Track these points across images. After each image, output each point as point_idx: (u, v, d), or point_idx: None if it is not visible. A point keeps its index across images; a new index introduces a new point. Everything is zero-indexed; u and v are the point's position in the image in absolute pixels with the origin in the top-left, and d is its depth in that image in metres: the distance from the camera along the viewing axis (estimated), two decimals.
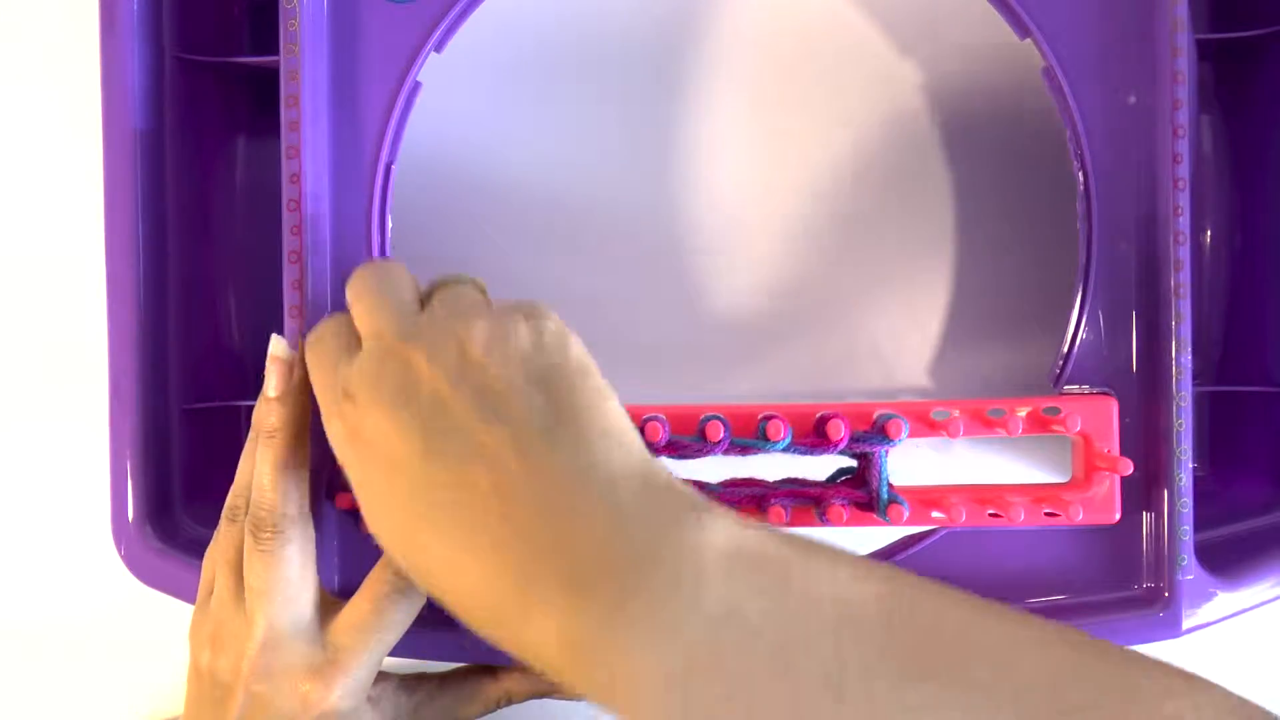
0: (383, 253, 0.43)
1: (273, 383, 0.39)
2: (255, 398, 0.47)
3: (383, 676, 0.41)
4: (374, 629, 0.38)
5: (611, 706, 0.30)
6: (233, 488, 0.40)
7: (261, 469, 0.38)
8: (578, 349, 0.35)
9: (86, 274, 0.48)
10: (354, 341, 0.36)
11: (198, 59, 0.45)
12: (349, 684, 0.38)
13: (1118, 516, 0.41)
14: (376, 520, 0.34)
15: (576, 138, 0.50)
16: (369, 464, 0.34)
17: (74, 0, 0.48)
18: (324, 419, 0.36)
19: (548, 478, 0.31)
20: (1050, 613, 0.42)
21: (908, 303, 0.49)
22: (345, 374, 0.35)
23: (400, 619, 0.39)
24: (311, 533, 0.39)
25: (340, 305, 0.43)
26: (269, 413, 0.39)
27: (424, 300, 0.36)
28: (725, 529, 0.31)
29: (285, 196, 0.42)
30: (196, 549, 0.43)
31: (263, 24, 0.45)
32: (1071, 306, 0.43)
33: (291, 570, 0.38)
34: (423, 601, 0.39)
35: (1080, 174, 0.42)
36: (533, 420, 0.32)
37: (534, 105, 0.50)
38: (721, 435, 0.39)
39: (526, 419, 0.32)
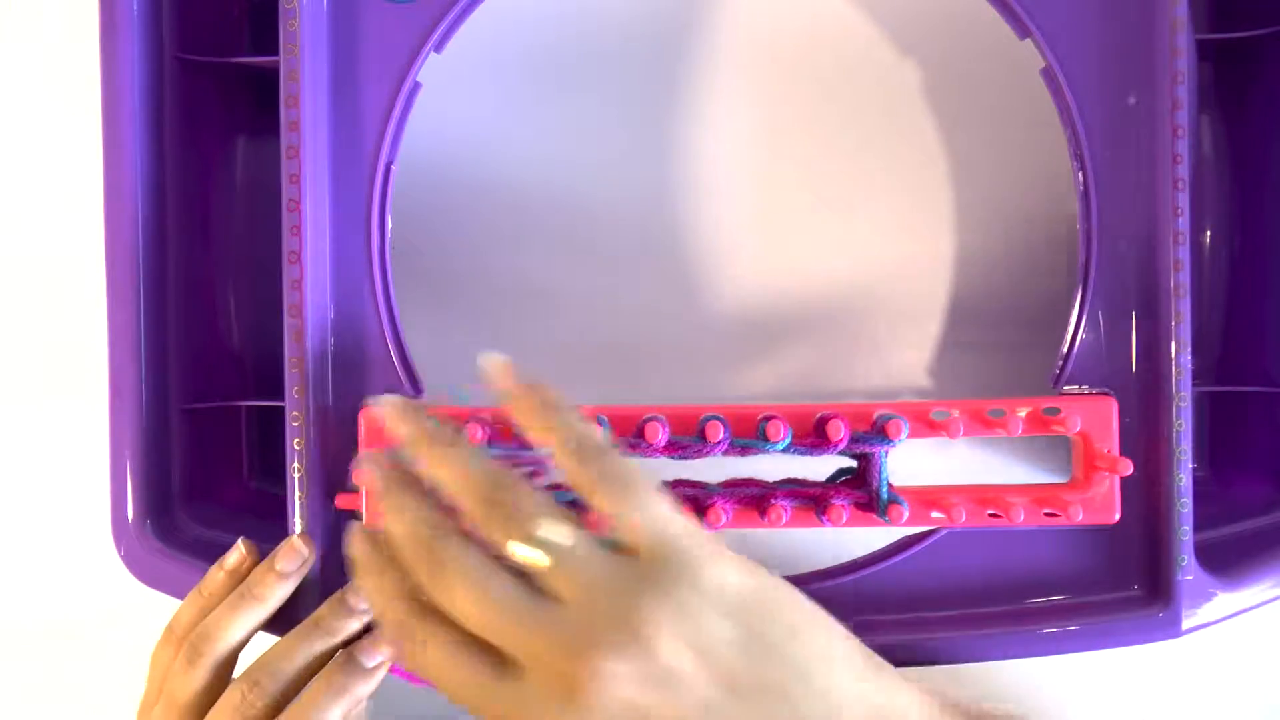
0: (381, 252, 0.43)
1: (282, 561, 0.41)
2: (254, 398, 0.48)
3: None
4: None
5: None
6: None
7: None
8: (752, 587, 0.32)
9: (86, 274, 0.48)
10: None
11: (198, 59, 0.45)
12: None
13: (1117, 516, 0.41)
14: None
15: (577, 138, 0.50)
16: None
17: (74, 0, 0.48)
18: None
19: None
20: (1050, 613, 0.42)
21: (908, 303, 0.49)
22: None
23: None
24: None
25: (339, 306, 0.43)
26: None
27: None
28: None
29: (285, 196, 0.42)
30: (196, 549, 0.43)
31: (263, 24, 0.45)
32: (1071, 307, 0.43)
33: None
34: None
35: (1080, 174, 0.42)
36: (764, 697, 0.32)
37: (534, 105, 0.50)
38: (721, 435, 0.39)
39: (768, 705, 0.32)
